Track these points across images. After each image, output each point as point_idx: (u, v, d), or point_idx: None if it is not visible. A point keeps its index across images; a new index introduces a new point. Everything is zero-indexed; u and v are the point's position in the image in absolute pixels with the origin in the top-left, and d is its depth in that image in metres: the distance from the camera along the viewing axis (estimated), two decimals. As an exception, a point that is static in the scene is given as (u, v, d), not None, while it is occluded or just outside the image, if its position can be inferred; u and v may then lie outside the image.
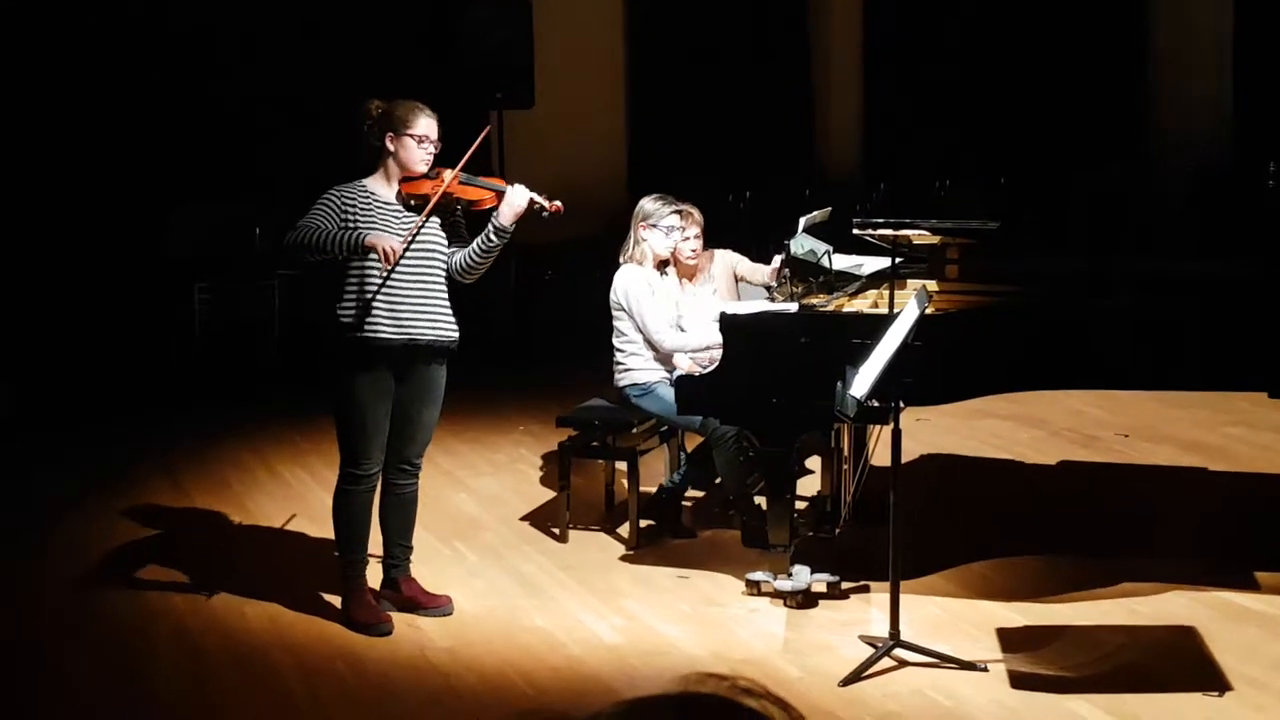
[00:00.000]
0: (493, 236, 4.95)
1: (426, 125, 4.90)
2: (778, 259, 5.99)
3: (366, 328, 4.79)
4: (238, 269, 10.07)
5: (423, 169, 4.92)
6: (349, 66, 9.85)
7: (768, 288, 5.98)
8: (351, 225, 4.78)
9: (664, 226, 5.82)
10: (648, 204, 5.87)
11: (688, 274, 6.26)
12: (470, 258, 4.99)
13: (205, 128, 10.26)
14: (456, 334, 5.00)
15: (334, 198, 4.83)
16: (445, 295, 4.98)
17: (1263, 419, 7.58)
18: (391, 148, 4.88)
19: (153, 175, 10.17)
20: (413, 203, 4.92)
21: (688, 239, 6.11)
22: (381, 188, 4.91)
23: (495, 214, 4.95)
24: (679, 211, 5.87)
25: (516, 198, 4.94)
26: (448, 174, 4.95)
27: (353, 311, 4.80)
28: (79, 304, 9.83)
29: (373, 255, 4.72)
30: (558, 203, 5.05)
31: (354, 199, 4.84)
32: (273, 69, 10.38)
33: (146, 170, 10.15)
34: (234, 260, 10.09)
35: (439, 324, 4.95)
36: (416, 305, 4.87)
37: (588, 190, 10.96)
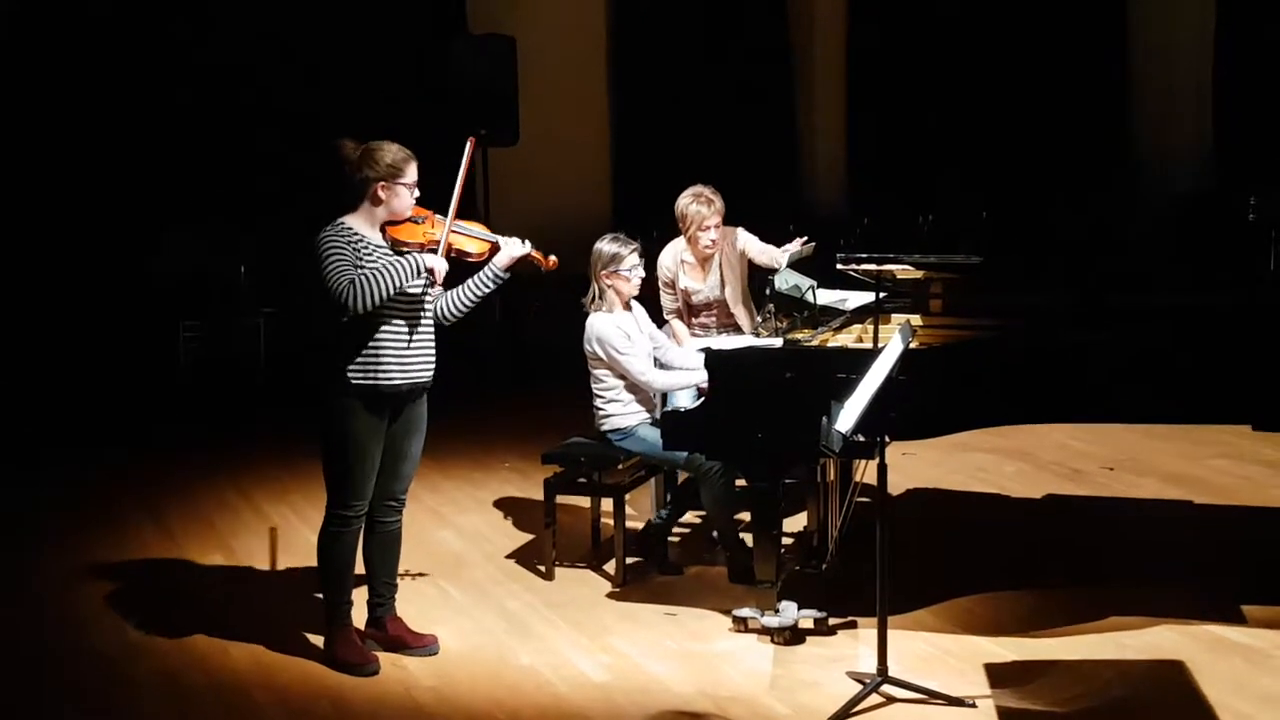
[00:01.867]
0: (489, 282, 5.03)
1: (414, 171, 4.91)
2: (796, 243, 6.02)
3: (380, 375, 4.79)
4: (224, 306, 10.07)
5: (409, 214, 4.93)
6: (335, 104, 9.89)
7: (770, 273, 5.94)
8: (364, 269, 4.75)
9: (625, 271, 5.77)
10: (606, 249, 5.76)
11: (704, 258, 6.26)
12: (462, 302, 5.04)
13: (192, 165, 10.28)
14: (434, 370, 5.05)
15: (340, 242, 4.75)
16: (434, 334, 5.02)
17: (1247, 451, 7.61)
18: (383, 195, 4.85)
19: (138, 214, 10.18)
20: (404, 250, 4.89)
21: (707, 229, 6.12)
22: (366, 229, 4.87)
23: (493, 260, 5.00)
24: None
25: (515, 248, 5.02)
26: (438, 220, 4.94)
27: (365, 362, 4.78)
28: (65, 340, 9.82)
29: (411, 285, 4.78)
30: (554, 258, 5.11)
31: (352, 241, 4.79)
32: (260, 104, 10.41)
33: (132, 210, 10.16)
34: (220, 297, 10.10)
35: (431, 365, 5.00)
36: (418, 350, 4.91)
37: (572, 226, 10.97)
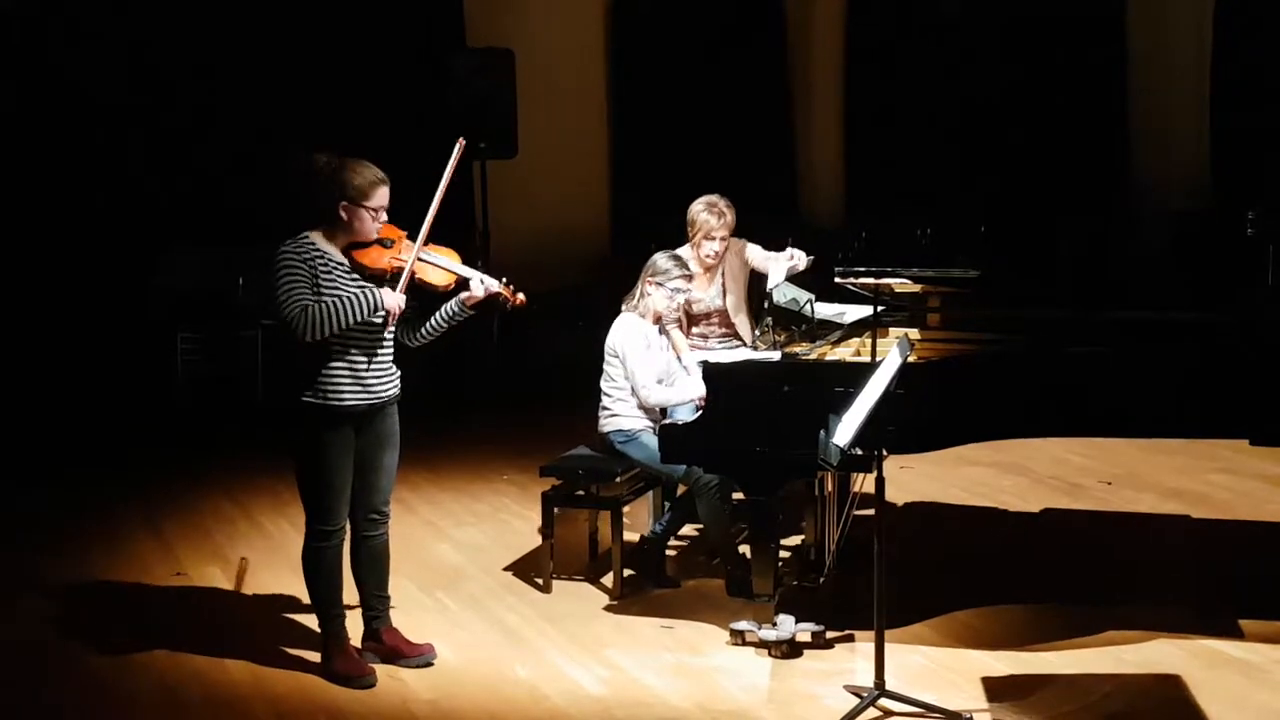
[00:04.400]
0: (457, 317, 5.01)
1: (383, 196, 4.82)
2: (793, 251, 6.05)
3: (331, 396, 4.76)
4: (221, 318, 10.06)
5: (374, 238, 4.87)
6: (334, 116, 9.89)
7: (766, 295, 5.97)
8: (326, 289, 4.71)
9: (670, 288, 5.85)
10: (661, 261, 5.90)
11: (708, 268, 6.29)
12: (428, 332, 5.04)
13: (191, 177, 10.28)
14: (399, 385, 5.03)
15: (297, 261, 4.71)
16: (392, 352, 5.00)
17: (1244, 466, 7.61)
18: (345, 216, 4.78)
19: (137, 225, 10.17)
20: (367, 273, 4.83)
21: (712, 239, 6.16)
22: (328, 246, 4.82)
23: (461, 298, 4.96)
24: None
25: (478, 290, 4.95)
26: (403, 245, 4.89)
27: (319, 383, 4.76)
28: (63, 350, 9.81)
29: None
30: (521, 296, 5.05)
31: (311, 258, 4.75)
32: (258, 119, 10.41)
33: (131, 220, 10.16)
34: (218, 309, 10.09)
35: (392, 381, 4.98)
36: (376, 369, 4.88)
37: (570, 240, 11.00)
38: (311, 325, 4.63)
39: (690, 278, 5.96)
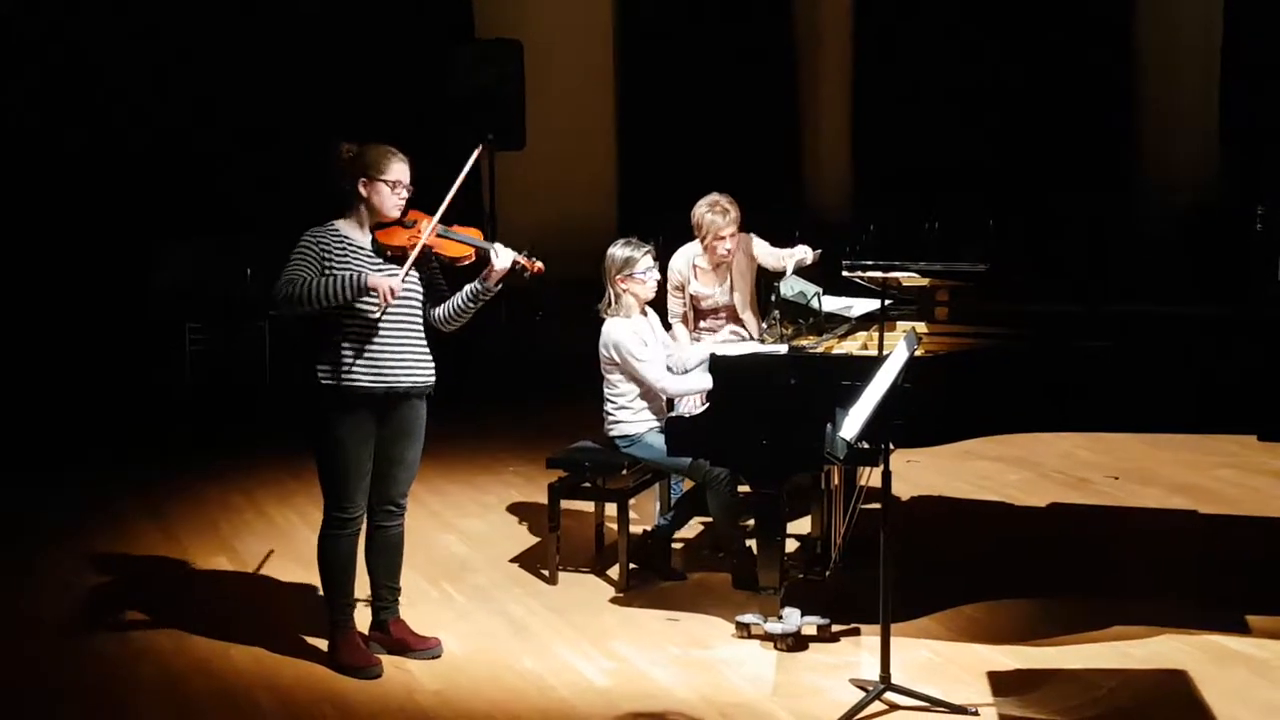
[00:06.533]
0: (481, 295, 4.96)
1: (399, 170, 4.85)
2: (801, 249, 6.05)
3: (345, 378, 4.77)
4: (229, 309, 10.07)
5: (396, 214, 4.88)
6: (342, 107, 9.89)
7: (777, 278, 5.95)
8: (330, 272, 4.75)
9: (640, 274, 5.79)
10: (620, 254, 5.78)
11: (718, 265, 6.27)
12: (454, 312, 4.99)
13: (197, 168, 10.28)
14: (433, 378, 5.01)
15: (311, 244, 4.77)
16: (423, 341, 4.98)
17: (1251, 461, 7.60)
18: (364, 193, 4.83)
19: (143, 216, 10.18)
20: (389, 253, 4.86)
21: (723, 238, 6.13)
22: (355, 231, 4.87)
23: (482, 276, 4.94)
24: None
25: (500, 262, 4.92)
26: (424, 224, 4.90)
27: (332, 363, 4.77)
28: (69, 342, 9.83)
29: (360, 302, 4.73)
30: (539, 264, 5.05)
31: (329, 244, 4.79)
32: (264, 109, 10.41)
33: (137, 211, 10.17)
34: (225, 300, 10.10)
35: (417, 370, 4.95)
36: (395, 354, 4.86)
37: (578, 230, 10.99)
38: (291, 298, 4.68)
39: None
